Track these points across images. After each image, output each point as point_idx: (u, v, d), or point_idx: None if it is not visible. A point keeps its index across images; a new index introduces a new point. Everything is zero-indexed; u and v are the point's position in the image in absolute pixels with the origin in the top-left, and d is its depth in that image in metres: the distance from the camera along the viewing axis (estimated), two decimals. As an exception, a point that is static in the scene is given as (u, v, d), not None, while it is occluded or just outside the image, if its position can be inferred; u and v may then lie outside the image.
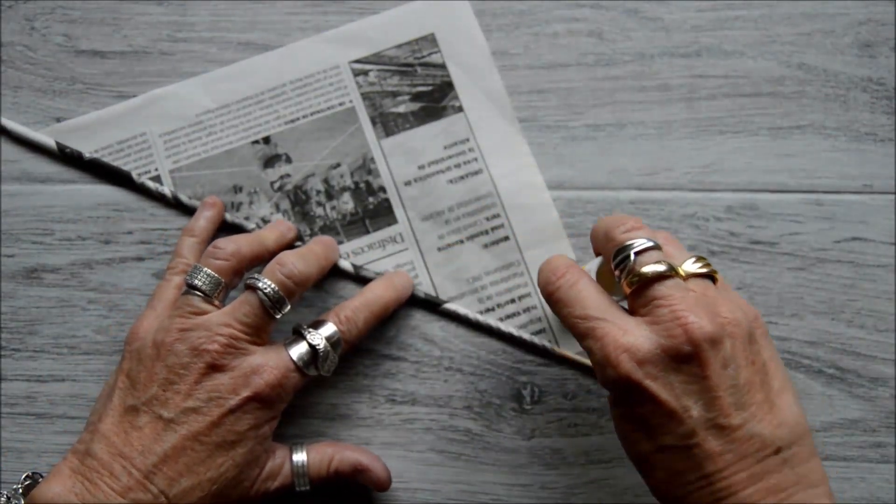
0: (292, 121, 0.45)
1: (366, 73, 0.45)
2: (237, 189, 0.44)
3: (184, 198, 0.43)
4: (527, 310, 0.43)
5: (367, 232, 0.44)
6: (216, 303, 0.37)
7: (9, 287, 0.43)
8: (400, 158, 0.44)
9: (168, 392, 0.35)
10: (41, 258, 0.43)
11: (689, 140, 0.45)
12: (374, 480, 0.39)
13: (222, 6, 0.46)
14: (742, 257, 0.43)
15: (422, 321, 0.43)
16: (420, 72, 0.45)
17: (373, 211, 0.44)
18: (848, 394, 0.42)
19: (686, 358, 0.31)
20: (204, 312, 0.37)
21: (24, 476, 0.38)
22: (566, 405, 0.42)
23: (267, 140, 0.44)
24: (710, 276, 0.33)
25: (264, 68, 0.45)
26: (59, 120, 0.44)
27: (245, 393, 0.35)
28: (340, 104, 0.45)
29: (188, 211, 0.43)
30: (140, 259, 0.43)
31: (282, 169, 0.44)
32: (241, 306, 0.36)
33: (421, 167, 0.44)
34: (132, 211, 0.44)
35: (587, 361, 0.42)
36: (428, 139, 0.44)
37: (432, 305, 0.43)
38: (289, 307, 0.37)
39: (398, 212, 0.44)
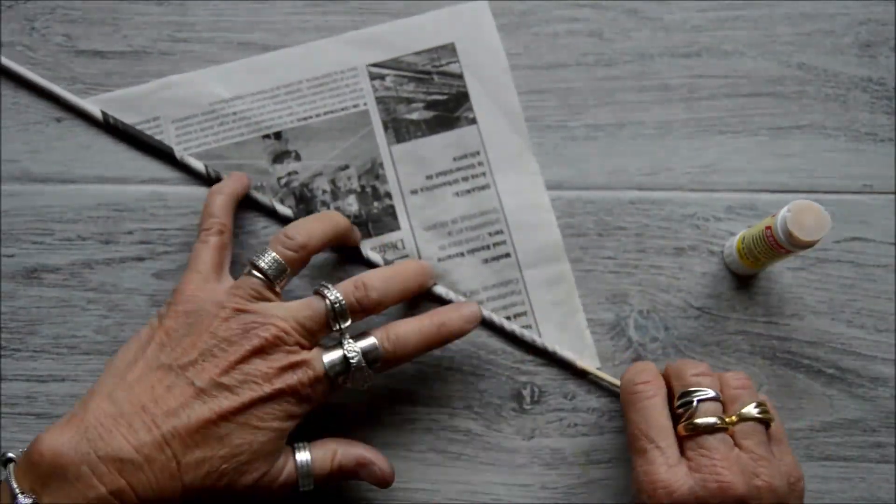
0: (305, 118, 0.45)
1: (382, 77, 0.45)
2: None
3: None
4: (522, 328, 0.43)
5: (370, 236, 0.44)
6: (277, 289, 0.37)
7: (9, 287, 0.43)
8: (409, 166, 0.44)
9: (207, 362, 0.35)
10: (41, 258, 0.43)
11: (689, 140, 0.45)
12: (378, 475, 0.38)
13: (222, 6, 0.46)
14: (742, 257, 0.43)
15: (422, 321, 0.43)
16: (437, 80, 0.45)
17: (376, 216, 0.44)
18: (848, 394, 0.42)
19: None
20: (263, 297, 0.37)
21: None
22: (566, 405, 0.42)
23: (278, 135, 0.44)
24: (766, 423, 0.36)
25: (282, 64, 0.45)
26: (58, 120, 0.44)
27: (278, 385, 0.35)
28: (354, 106, 0.45)
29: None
30: (140, 259, 0.43)
31: (290, 166, 0.44)
32: (304, 308, 0.37)
33: (429, 177, 0.44)
34: (132, 211, 0.44)
35: (586, 367, 0.42)
36: (438, 149, 0.44)
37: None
38: (349, 322, 0.37)
39: (402, 219, 0.44)
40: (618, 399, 0.42)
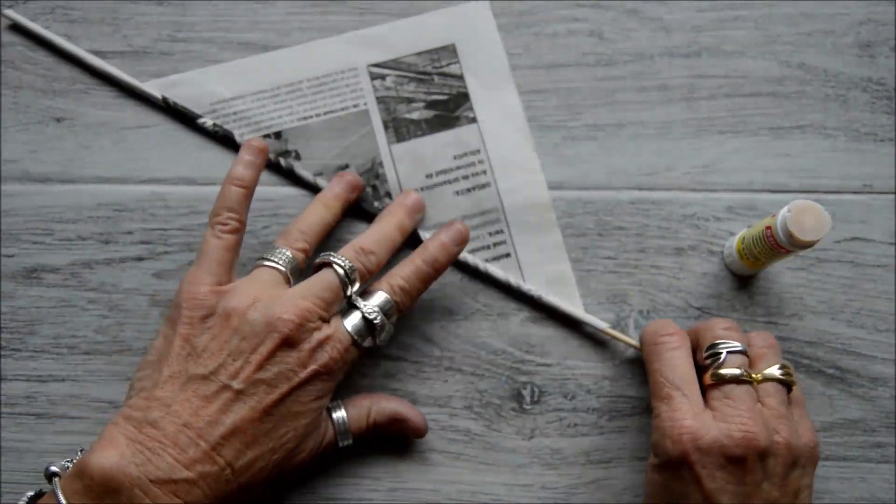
0: (305, 118, 0.45)
1: (383, 77, 0.45)
2: None
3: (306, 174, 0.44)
4: None
5: None
6: (289, 280, 0.38)
7: (9, 287, 0.43)
8: (409, 165, 0.44)
9: (238, 361, 0.35)
10: (41, 258, 0.43)
11: (689, 140, 0.45)
12: (413, 428, 0.40)
13: (222, 6, 0.46)
14: (742, 257, 0.43)
15: (422, 321, 0.43)
16: (437, 81, 0.45)
17: (376, 215, 0.44)
18: (848, 394, 0.42)
19: (735, 459, 0.34)
20: (282, 288, 0.37)
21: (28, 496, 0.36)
22: (566, 405, 0.42)
23: (279, 135, 0.44)
24: (788, 385, 0.37)
25: (283, 64, 0.45)
26: (58, 120, 0.44)
27: (313, 367, 0.36)
28: (354, 106, 0.45)
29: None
30: (140, 259, 0.43)
31: (290, 165, 0.44)
32: (320, 283, 0.37)
33: (429, 176, 0.44)
34: (132, 211, 0.44)
35: (578, 313, 0.43)
36: (438, 147, 0.44)
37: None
38: (359, 287, 0.38)
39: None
40: (619, 401, 0.42)
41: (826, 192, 0.44)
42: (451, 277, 0.43)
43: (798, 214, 0.37)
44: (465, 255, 0.43)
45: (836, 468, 0.42)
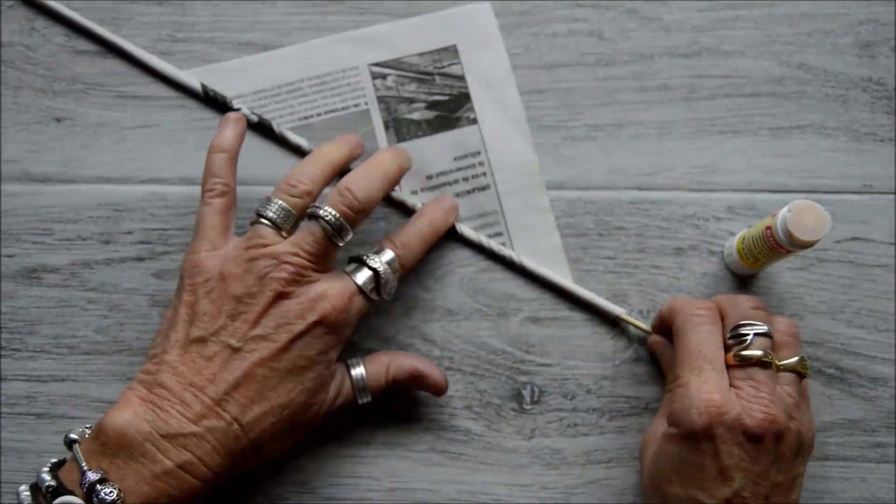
0: (306, 117, 0.45)
1: (384, 76, 0.45)
2: None
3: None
4: None
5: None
6: (283, 234, 0.38)
7: (9, 287, 0.43)
8: None
9: (236, 322, 0.36)
10: (41, 258, 0.43)
11: (689, 140, 0.45)
12: (432, 385, 0.40)
13: (222, 6, 0.46)
14: (742, 257, 0.43)
15: (421, 321, 0.43)
16: (438, 81, 0.45)
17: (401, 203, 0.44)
18: (848, 394, 0.42)
19: (754, 438, 0.34)
20: (272, 244, 0.37)
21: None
22: (566, 405, 0.42)
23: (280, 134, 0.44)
24: (802, 375, 0.38)
25: (283, 62, 0.45)
26: (58, 120, 0.44)
27: (312, 318, 0.36)
28: (355, 105, 0.45)
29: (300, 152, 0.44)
30: (140, 259, 0.43)
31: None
32: (305, 235, 0.37)
33: (429, 177, 0.44)
34: (132, 211, 0.44)
35: (593, 298, 0.43)
36: (439, 149, 0.44)
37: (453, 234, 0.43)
38: (351, 234, 0.38)
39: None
40: (619, 401, 0.42)
41: (826, 192, 0.44)
42: (460, 272, 0.43)
43: (798, 214, 0.37)
44: (471, 232, 0.43)
45: (836, 468, 0.42)
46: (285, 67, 0.45)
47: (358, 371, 0.39)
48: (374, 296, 0.38)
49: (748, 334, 0.37)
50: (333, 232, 0.37)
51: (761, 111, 0.45)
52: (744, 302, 0.38)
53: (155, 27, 0.45)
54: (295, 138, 0.44)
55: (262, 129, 0.44)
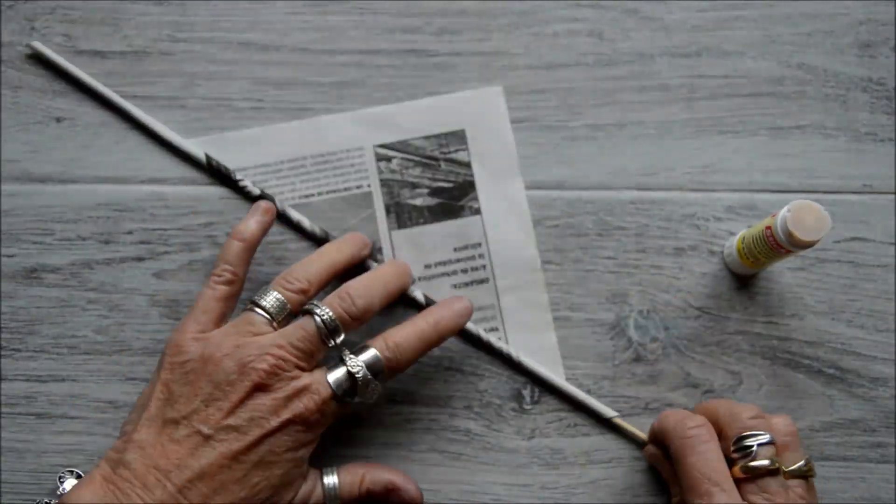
0: (307, 196, 0.44)
1: (389, 159, 0.44)
2: None
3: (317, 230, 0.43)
4: None
5: None
6: (275, 325, 0.37)
7: (9, 287, 0.43)
8: (408, 253, 0.43)
9: (210, 408, 0.35)
10: (41, 258, 0.43)
11: (689, 140, 0.45)
12: (407, 500, 0.39)
13: (222, 6, 0.46)
14: (742, 257, 0.43)
15: (422, 321, 0.43)
16: (444, 167, 0.44)
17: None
18: (848, 394, 0.42)
19: None
20: (261, 333, 0.37)
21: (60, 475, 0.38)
22: (566, 405, 0.42)
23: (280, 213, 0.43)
24: (809, 477, 0.37)
25: (288, 137, 0.44)
26: (58, 120, 0.44)
27: (285, 416, 0.35)
28: (358, 187, 0.44)
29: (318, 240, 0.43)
30: (140, 259, 0.43)
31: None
32: (296, 330, 0.36)
33: (428, 266, 0.43)
34: (132, 211, 0.44)
35: (585, 399, 0.42)
36: (440, 238, 0.43)
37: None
38: (343, 336, 0.37)
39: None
40: (619, 401, 0.42)
41: (826, 192, 0.44)
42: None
43: (798, 214, 0.37)
44: (469, 325, 0.42)
45: (836, 468, 0.42)
46: (290, 142, 0.44)
47: (331, 479, 0.38)
48: (349, 399, 0.37)
49: (752, 446, 0.36)
50: (327, 332, 0.36)
51: (761, 111, 0.45)
52: (742, 413, 0.37)
53: (155, 27, 0.45)
54: (296, 215, 0.43)
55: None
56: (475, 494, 0.41)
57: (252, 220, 0.40)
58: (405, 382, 0.42)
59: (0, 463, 0.41)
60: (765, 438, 0.36)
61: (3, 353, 0.42)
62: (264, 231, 0.40)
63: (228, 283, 0.38)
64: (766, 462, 0.36)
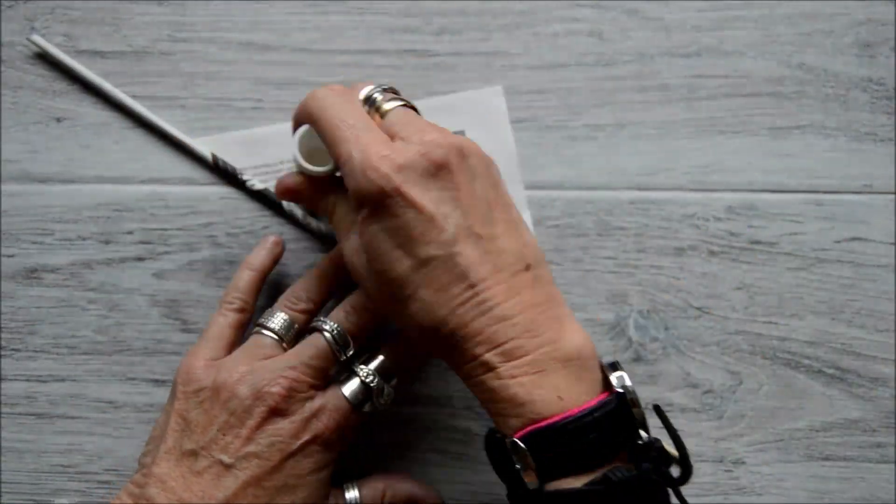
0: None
1: None
2: None
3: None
4: None
5: None
6: (284, 346, 0.37)
7: (9, 287, 0.43)
8: None
9: (228, 436, 0.35)
10: (41, 258, 0.43)
11: (689, 140, 0.45)
12: None
13: (222, 6, 0.46)
14: (742, 257, 0.43)
15: (422, 321, 0.43)
16: None
17: None
18: (848, 394, 0.42)
19: (439, 166, 0.32)
20: (272, 356, 0.37)
21: None
22: (566, 405, 0.42)
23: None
24: (413, 107, 0.36)
25: (287, 137, 0.41)
26: (58, 120, 0.44)
27: (306, 437, 0.35)
28: None
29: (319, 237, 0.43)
30: (140, 259, 0.43)
31: None
32: (306, 349, 0.36)
33: None
34: (132, 211, 0.44)
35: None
36: None
37: None
38: (353, 350, 0.37)
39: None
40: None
41: (826, 192, 0.44)
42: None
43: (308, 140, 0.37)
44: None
45: (836, 468, 0.42)
46: (290, 142, 0.43)
47: (352, 494, 0.37)
48: (367, 409, 0.37)
49: (374, 97, 0.36)
50: (338, 347, 0.36)
51: (761, 111, 0.45)
52: (355, 90, 0.36)
53: (155, 27, 0.45)
54: (299, 212, 0.43)
55: (264, 199, 0.44)
56: (475, 494, 0.41)
57: (263, 251, 0.41)
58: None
59: (0, 463, 0.41)
60: (381, 87, 0.36)
61: (3, 353, 0.42)
62: (274, 261, 0.41)
63: (240, 310, 0.39)
64: (400, 101, 0.35)
